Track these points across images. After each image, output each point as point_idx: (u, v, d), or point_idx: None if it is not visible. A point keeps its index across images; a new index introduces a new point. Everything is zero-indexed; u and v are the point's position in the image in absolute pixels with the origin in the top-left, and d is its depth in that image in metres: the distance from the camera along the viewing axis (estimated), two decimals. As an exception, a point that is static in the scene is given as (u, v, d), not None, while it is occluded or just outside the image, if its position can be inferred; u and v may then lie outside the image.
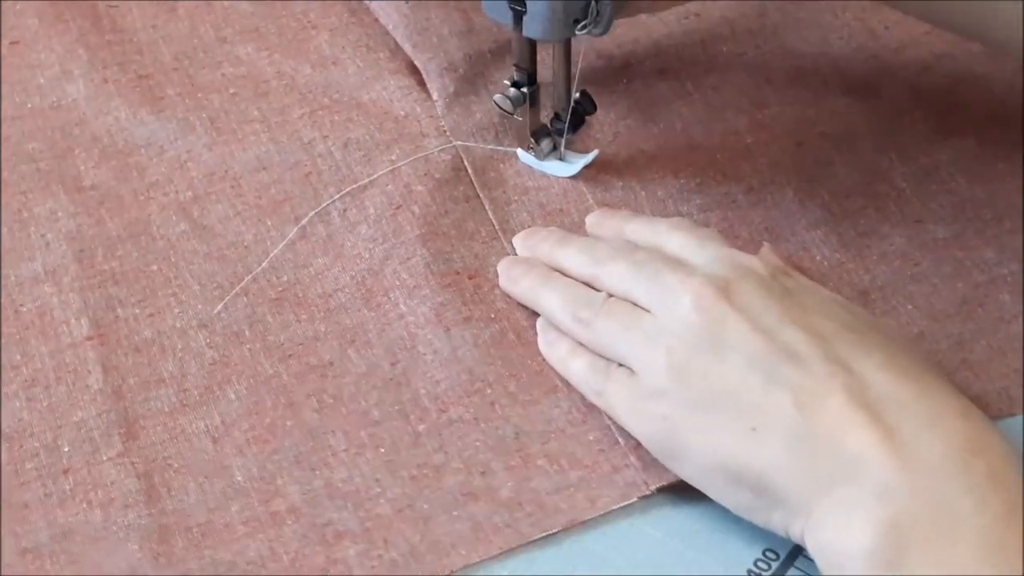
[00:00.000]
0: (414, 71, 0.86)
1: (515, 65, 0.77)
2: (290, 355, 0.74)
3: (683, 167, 0.81)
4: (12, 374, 0.73)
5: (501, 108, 0.78)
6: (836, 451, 0.59)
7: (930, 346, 0.73)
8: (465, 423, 0.71)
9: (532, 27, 0.74)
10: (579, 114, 0.78)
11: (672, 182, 0.80)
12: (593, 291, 0.71)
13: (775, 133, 0.82)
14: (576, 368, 0.70)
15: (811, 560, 0.63)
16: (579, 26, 0.73)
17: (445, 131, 0.83)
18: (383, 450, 0.70)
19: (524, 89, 0.78)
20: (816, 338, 0.62)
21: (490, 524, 0.67)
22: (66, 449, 0.71)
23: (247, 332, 0.75)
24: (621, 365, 0.68)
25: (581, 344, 0.71)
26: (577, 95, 0.77)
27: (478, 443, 0.70)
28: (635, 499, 0.68)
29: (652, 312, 0.67)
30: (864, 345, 0.62)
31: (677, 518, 0.68)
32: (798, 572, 0.65)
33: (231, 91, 0.86)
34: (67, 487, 0.69)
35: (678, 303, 0.65)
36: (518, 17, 0.74)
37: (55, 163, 0.82)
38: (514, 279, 0.75)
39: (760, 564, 0.65)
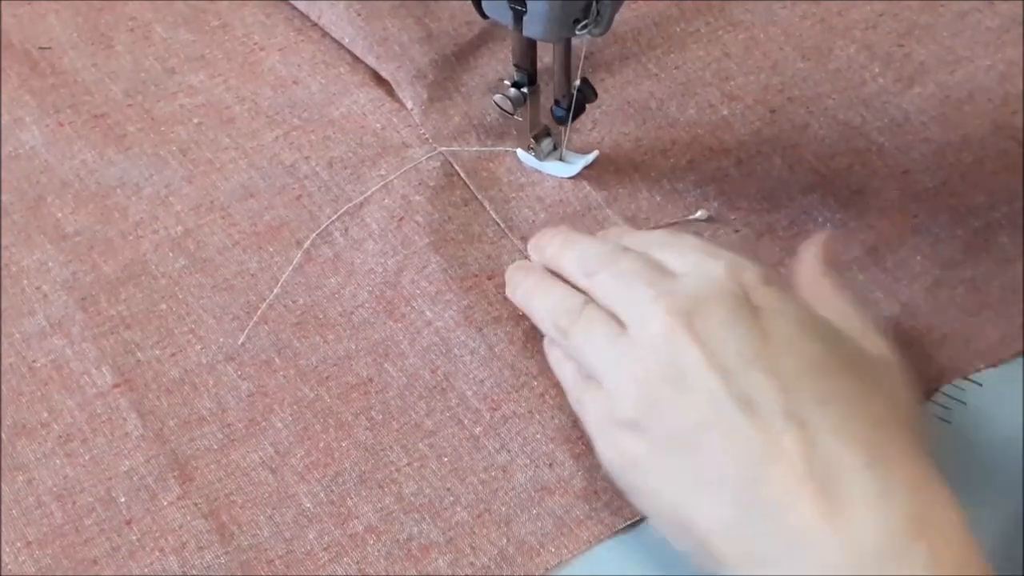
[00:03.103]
0: (380, 82, 0.86)
1: (515, 65, 0.77)
2: (327, 377, 0.73)
3: (668, 145, 0.82)
4: (44, 432, 0.71)
5: (501, 108, 0.78)
6: (778, 523, 0.57)
7: (948, 292, 0.75)
8: (520, 418, 0.71)
9: (532, 27, 0.74)
10: (580, 102, 0.78)
11: (663, 162, 0.81)
12: (576, 298, 0.68)
13: (747, 103, 0.84)
14: (565, 372, 0.69)
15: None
16: (579, 26, 0.73)
17: (427, 138, 0.83)
18: (446, 459, 0.70)
19: (524, 89, 0.78)
20: (773, 382, 0.59)
21: (572, 518, 0.68)
22: (122, 500, 0.69)
23: (277, 359, 0.74)
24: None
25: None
26: (578, 82, 0.77)
27: (538, 436, 0.70)
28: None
29: (627, 330, 0.64)
30: (824, 391, 0.59)
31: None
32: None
33: (195, 121, 0.84)
34: (134, 538, 0.68)
35: (646, 328, 0.63)
36: (518, 17, 0.74)
37: (29, 213, 0.80)
38: (514, 286, 0.74)
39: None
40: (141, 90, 0.87)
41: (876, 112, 0.83)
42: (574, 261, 0.70)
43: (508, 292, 0.74)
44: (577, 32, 0.74)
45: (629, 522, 0.68)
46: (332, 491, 0.69)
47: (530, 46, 0.77)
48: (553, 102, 0.79)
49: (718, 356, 0.61)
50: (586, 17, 0.73)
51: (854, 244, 0.77)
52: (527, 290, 0.72)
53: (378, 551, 0.67)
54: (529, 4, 0.73)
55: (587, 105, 0.80)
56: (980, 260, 0.76)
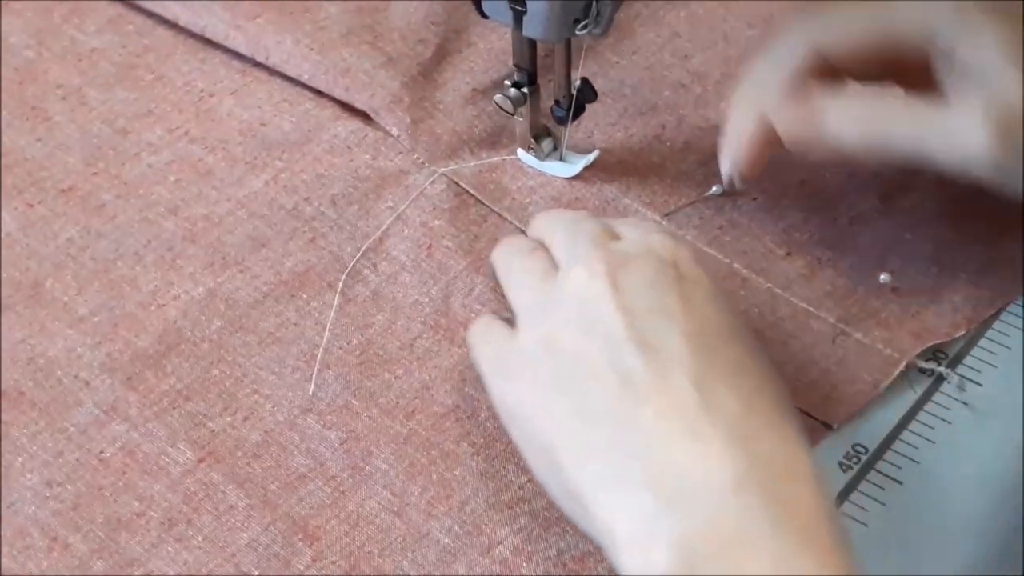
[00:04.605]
0: (354, 113, 0.84)
1: (515, 65, 0.77)
2: (413, 410, 0.72)
3: (659, 130, 0.83)
4: (143, 522, 0.68)
5: (502, 108, 0.78)
6: (645, 454, 0.58)
7: (972, 222, 0.78)
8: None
9: (532, 27, 0.74)
10: (580, 102, 0.79)
11: (660, 146, 0.83)
12: (531, 244, 0.72)
13: (715, 78, 0.86)
14: (471, 336, 0.71)
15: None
16: (579, 26, 0.74)
17: (423, 162, 0.82)
18: (564, 468, 0.70)
19: (524, 89, 0.78)
20: (672, 331, 0.61)
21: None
22: (256, 573, 0.66)
23: (355, 402, 0.72)
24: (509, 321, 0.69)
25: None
26: (578, 83, 0.78)
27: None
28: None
29: (557, 276, 0.67)
30: (718, 351, 0.61)
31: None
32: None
33: (172, 179, 0.82)
34: (281, 610, 0.65)
35: (570, 273, 0.65)
36: (518, 17, 0.74)
37: (32, 302, 0.76)
38: (494, 250, 0.75)
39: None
40: (99, 156, 0.83)
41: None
42: (542, 222, 0.73)
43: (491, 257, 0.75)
44: (577, 32, 0.74)
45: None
46: (465, 522, 0.68)
47: (530, 46, 0.77)
48: (553, 102, 0.79)
49: (629, 303, 0.62)
50: (586, 17, 0.74)
51: (869, 194, 0.79)
52: (498, 247, 0.74)
53: (534, 571, 0.66)
54: (529, 4, 0.73)
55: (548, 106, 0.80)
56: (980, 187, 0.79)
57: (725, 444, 0.57)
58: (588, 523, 0.61)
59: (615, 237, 0.68)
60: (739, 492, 0.55)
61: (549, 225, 0.72)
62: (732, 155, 0.75)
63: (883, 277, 0.75)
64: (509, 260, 0.71)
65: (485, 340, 0.69)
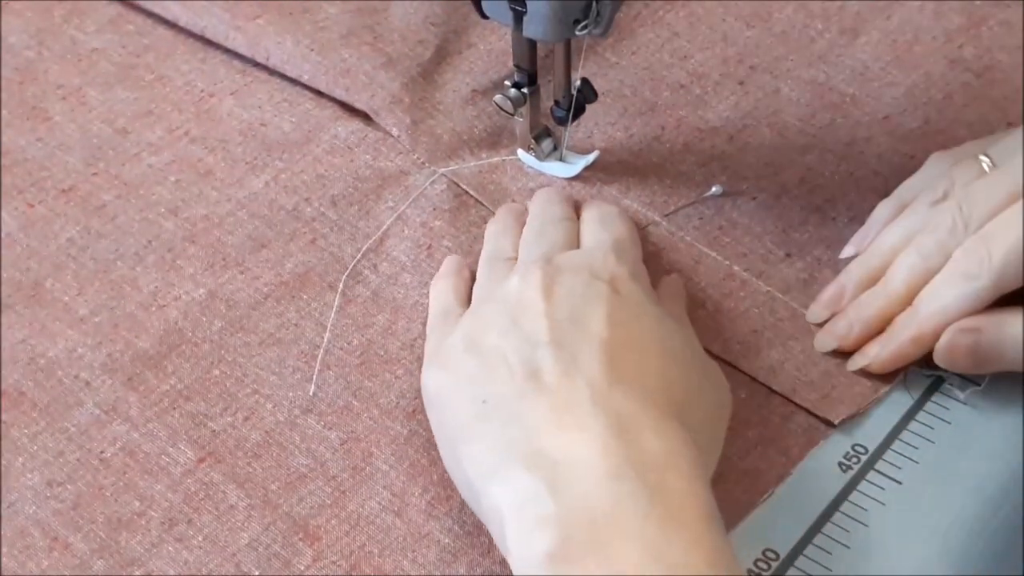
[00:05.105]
0: (354, 113, 0.85)
1: (515, 65, 0.77)
2: (413, 410, 0.72)
3: (659, 131, 0.84)
4: (143, 521, 0.68)
5: (502, 109, 0.79)
6: (533, 443, 0.61)
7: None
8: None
9: (532, 27, 0.74)
10: (580, 103, 0.79)
11: (659, 147, 0.83)
12: (513, 251, 0.74)
13: (715, 79, 0.86)
14: (432, 306, 0.74)
15: (811, 560, 0.65)
16: (579, 26, 0.74)
17: (423, 162, 0.82)
18: (564, 469, 0.70)
19: (524, 90, 0.78)
20: (588, 339, 0.64)
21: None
22: (256, 573, 0.66)
23: (355, 402, 0.72)
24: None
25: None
26: (578, 83, 0.78)
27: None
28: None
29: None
30: (627, 359, 0.64)
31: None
32: (798, 572, 0.65)
33: (172, 179, 0.82)
34: (282, 609, 0.65)
35: (512, 280, 0.68)
36: (518, 17, 0.74)
37: (32, 302, 0.76)
38: (495, 219, 0.78)
39: (760, 564, 0.66)
40: (100, 156, 0.83)
41: (835, 66, 0.87)
42: (535, 208, 0.77)
43: (490, 222, 0.78)
44: (577, 32, 0.74)
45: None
46: (465, 523, 0.68)
47: (530, 46, 0.77)
48: (553, 103, 0.79)
49: (555, 311, 0.66)
50: (586, 17, 0.74)
51: (869, 194, 0.79)
52: (497, 228, 0.77)
53: (533, 572, 0.66)
54: (529, 4, 0.73)
55: (547, 106, 0.80)
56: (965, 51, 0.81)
57: (608, 437, 0.59)
58: (480, 510, 0.63)
59: (574, 246, 0.72)
60: (614, 479, 0.58)
61: (533, 214, 0.76)
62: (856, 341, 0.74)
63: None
64: (485, 264, 0.74)
65: (440, 329, 0.71)
